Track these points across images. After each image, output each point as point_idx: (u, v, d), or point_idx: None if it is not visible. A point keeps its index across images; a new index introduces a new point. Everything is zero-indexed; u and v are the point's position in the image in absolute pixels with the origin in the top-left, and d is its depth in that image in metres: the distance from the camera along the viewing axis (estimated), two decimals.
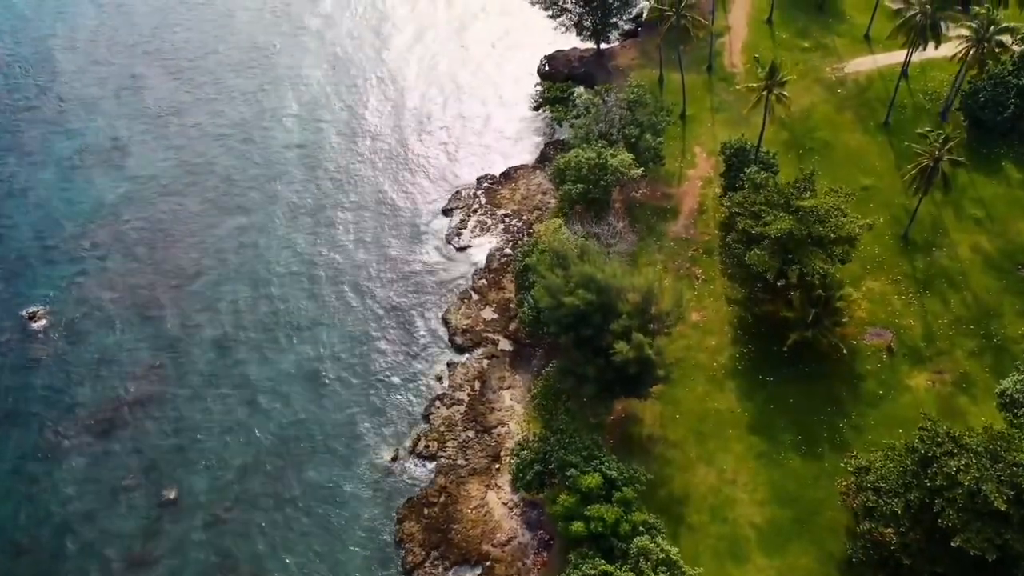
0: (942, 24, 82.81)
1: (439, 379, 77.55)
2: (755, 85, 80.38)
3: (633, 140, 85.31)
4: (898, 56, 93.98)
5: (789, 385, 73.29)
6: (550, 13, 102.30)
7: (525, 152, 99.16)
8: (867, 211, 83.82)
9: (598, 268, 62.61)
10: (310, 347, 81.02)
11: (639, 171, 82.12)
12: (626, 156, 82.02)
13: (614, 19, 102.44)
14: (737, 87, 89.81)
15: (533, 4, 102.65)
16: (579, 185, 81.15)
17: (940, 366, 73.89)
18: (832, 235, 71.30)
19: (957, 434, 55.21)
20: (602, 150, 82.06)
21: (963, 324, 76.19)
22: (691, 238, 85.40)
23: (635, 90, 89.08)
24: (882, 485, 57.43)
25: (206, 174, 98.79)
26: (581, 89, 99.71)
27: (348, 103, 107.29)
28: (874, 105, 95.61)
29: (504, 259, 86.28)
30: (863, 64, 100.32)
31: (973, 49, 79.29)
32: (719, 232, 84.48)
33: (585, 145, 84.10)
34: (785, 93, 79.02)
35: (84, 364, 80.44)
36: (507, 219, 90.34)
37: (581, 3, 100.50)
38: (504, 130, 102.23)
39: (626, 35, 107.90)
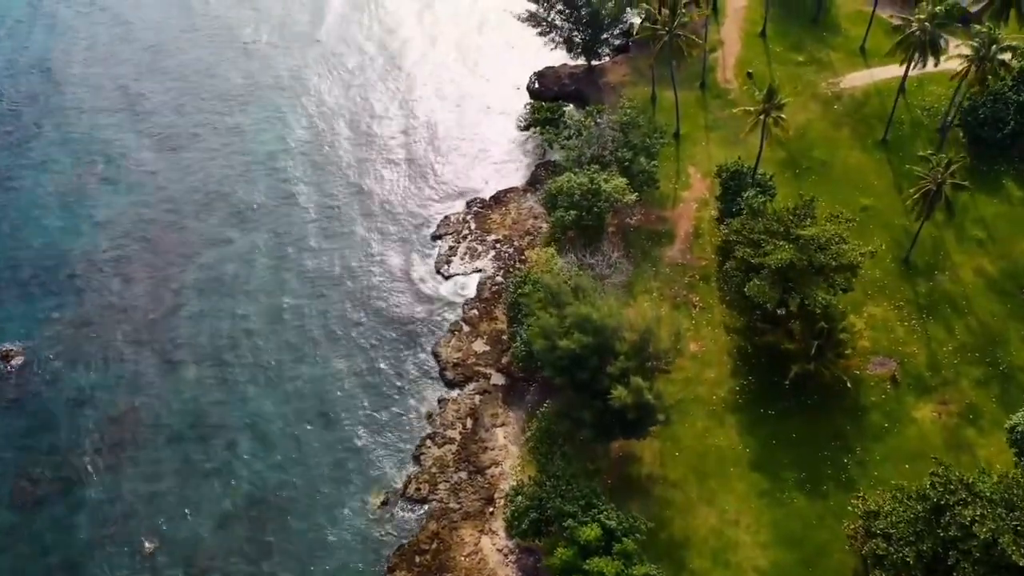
0: (942, 41, 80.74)
1: (429, 417, 74.76)
2: (752, 108, 77.94)
3: (626, 163, 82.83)
4: (894, 70, 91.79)
5: (791, 419, 71.05)
6: (539, 30, 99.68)
7: (515, 174, 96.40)
8: (867, 233, 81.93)
9: (594, 307, 60.03)
10: (294, 385, 78.03)
11: (633, 196, 79.65)
12: (620, 181, 79.55)
13: (605, 35, 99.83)
14: (734, 111, 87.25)
15: (522, 21, 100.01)
16: (572, 211, 78.65)
17: (945, 396, 71.78)
18: (834, 263, 69.13)
19: (971, 481, 53.05)
20: (595, 175, 79.57)
21: (968, 351, 74.09)
22: (687, 263, 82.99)
23: (627, 111, 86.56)
24: (892, 532, 55.16)
25: (186, 203, 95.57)
26: (572, 109, 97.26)
27: (335, 126, 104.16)
28: (871, 121, 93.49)
29: (495, 287, 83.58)
30: (859, 78, 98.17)
31: (974, 67, 77.08)
32: (716, 257, 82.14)
33: (577, 169, 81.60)
34: (783, 116, 76.67)
35: (60, 406, 77.31)
36: (498, 245, 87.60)
37: (571, 20, 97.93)
38: (493, 151, 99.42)
39: (617, 50, 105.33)
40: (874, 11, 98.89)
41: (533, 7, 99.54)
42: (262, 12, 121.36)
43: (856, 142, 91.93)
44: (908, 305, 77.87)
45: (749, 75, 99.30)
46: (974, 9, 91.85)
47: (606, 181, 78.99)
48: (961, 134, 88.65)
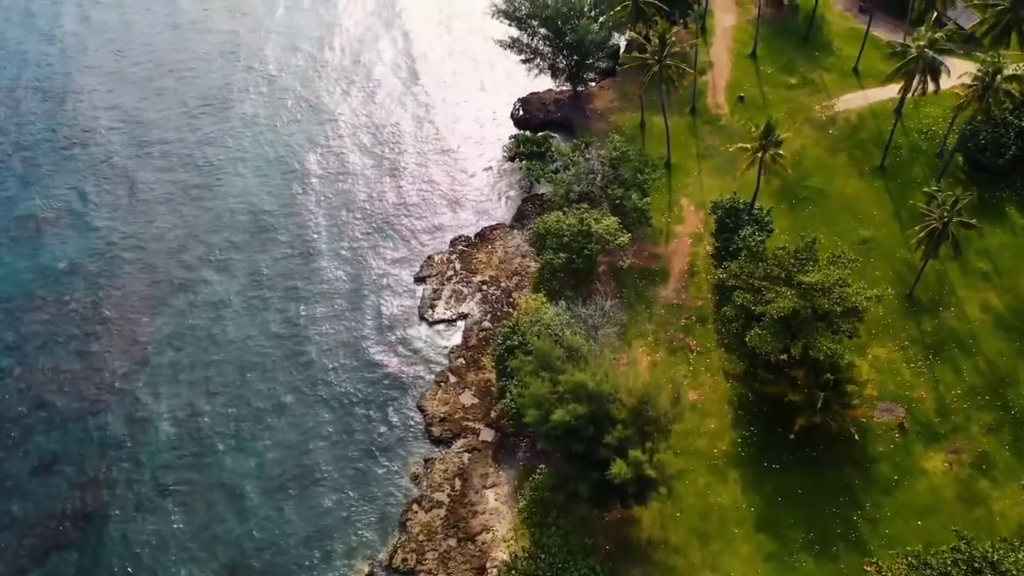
0: (941, 67, 77.47)
1: (415, 478, 70.52)
2: (748, 146, 74.28)
3: (617, 201, 78.97)
4: (890, 91, 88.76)
5: (796, 473, 67.57)
6: (522, 57, 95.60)
7: (501, 210, 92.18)
8: (868, 267, 78.93)
9: (589, 373, 56.08)
10: (270, 444, 73.44)
11: (626, 238, 75.79)
12: (611, 221, 75.76)
13: (590, 60, 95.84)
14: (731, 148, 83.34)
15: (505, 48, 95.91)
16: (561, 254, 74.76)
17: (956, 443, 68.56)
18: (838, 308, 65.71)
19: (996, 558, 49.70)
20: (584, 215, 75.68)
21: (978, 395, 70.96)
22: (683, 303, 79.30)
23: (617, 145, 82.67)
24: None
25: (155, 243, 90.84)
26: (558, 140, 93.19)
27: (315, 160, 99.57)
28: (868, 147, 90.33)
29: (483, 334, 79.40)
30: (854, 100, 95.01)
31: (978, 97, 73.84)
32: (712, 296, 78.69)
33: (566, 208, 77.65)
34: (781, 152, 73.08)
35: (21, 475, 72.42)
36: (484, 287, 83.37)
37: (555, 46, 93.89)
38: (477, 185, 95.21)
39: (603, 73, 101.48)
40: (868, 30, 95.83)
41: (516, 32, 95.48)
42: (254, 40, 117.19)
43: (853, 169, 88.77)
44: (914, 345, 74.66)
45: (740, 99, 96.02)
46: (971, 29, 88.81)
47: (596, 221, 75.17)
48: (961, 159, 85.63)
